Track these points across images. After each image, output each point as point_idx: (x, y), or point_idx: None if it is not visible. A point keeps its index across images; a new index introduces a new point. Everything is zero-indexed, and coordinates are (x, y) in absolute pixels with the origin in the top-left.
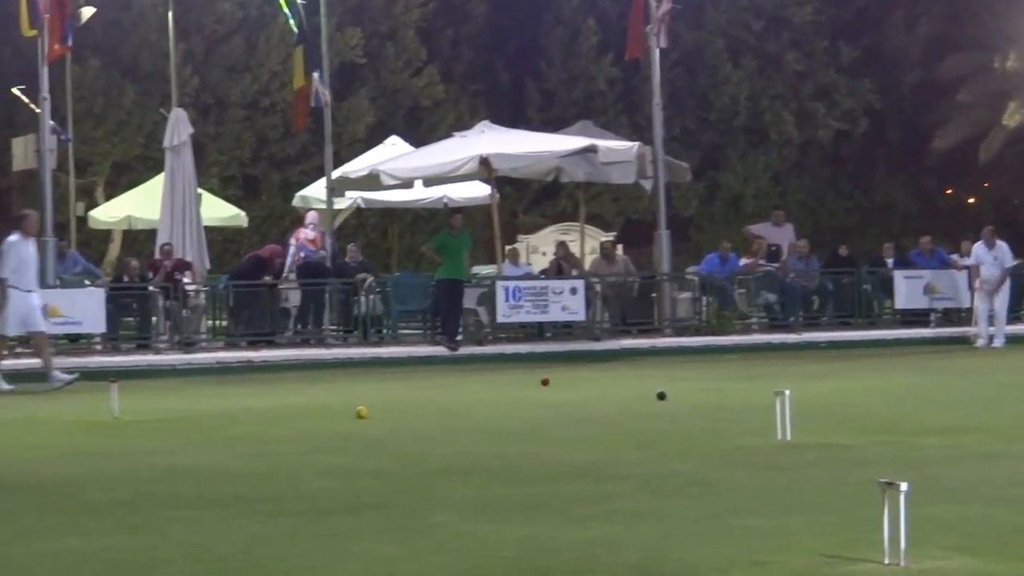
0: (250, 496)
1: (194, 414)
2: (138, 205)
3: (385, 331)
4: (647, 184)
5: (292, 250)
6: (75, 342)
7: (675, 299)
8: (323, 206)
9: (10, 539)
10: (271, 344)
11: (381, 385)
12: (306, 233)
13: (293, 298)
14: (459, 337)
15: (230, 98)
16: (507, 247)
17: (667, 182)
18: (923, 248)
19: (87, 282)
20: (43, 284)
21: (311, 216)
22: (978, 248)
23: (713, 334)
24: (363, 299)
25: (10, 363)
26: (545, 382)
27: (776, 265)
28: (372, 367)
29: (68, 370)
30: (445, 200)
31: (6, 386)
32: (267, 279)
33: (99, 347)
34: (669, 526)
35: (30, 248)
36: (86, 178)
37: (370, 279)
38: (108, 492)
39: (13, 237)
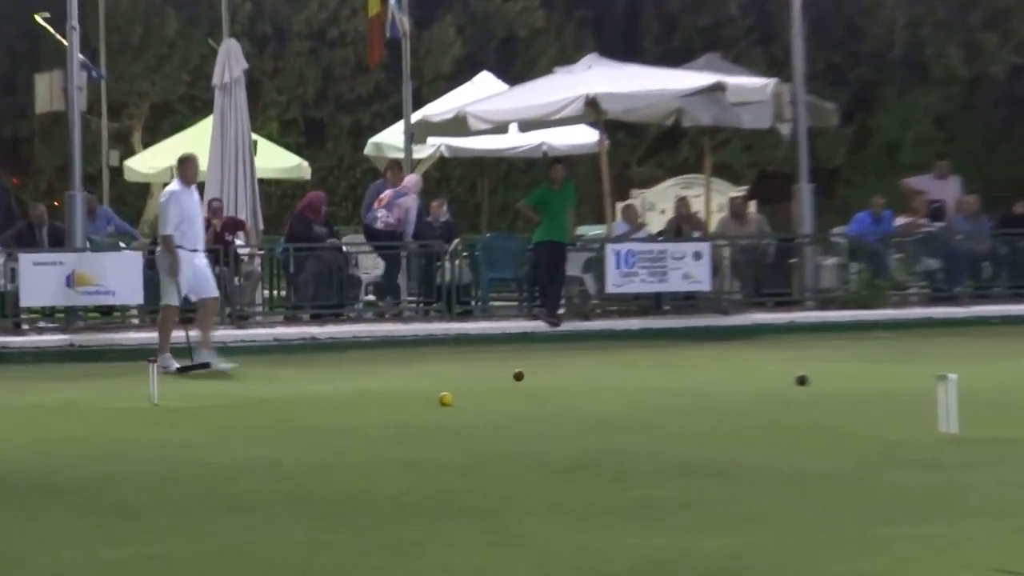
0: (312, 497)
1: (247, 400)
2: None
3: (473, 303)
4: (785, 129)
5: (381, 214)
6: (108, 315)
7: (818, 266)
8: (400, 155)
9: (33, 546)
10: (338, 318)
11: (468, 367)
12: (403, 200)
13: (364, 263)
14: (561, 310)
15: (291, 27)
16: (619, 204)
17: (809, 127)
18: None
19: (122, 245)
20: (71, 247)
21: (411, 181)
22: None
23: (863, 307)
24: (447, 265)
25: (35, 338)
26: (519, 376)
27: (939, 225)
28: (458, 345)
29: (112, 347)
30: (545, 148)
31: (174, 364)
32: (326, 239)
33: (136, 321)
34: (808, 536)
35: (194, 198)
36: (121, 122)
37: (456, 242)
38: (146, 492)
39: (174, 186)
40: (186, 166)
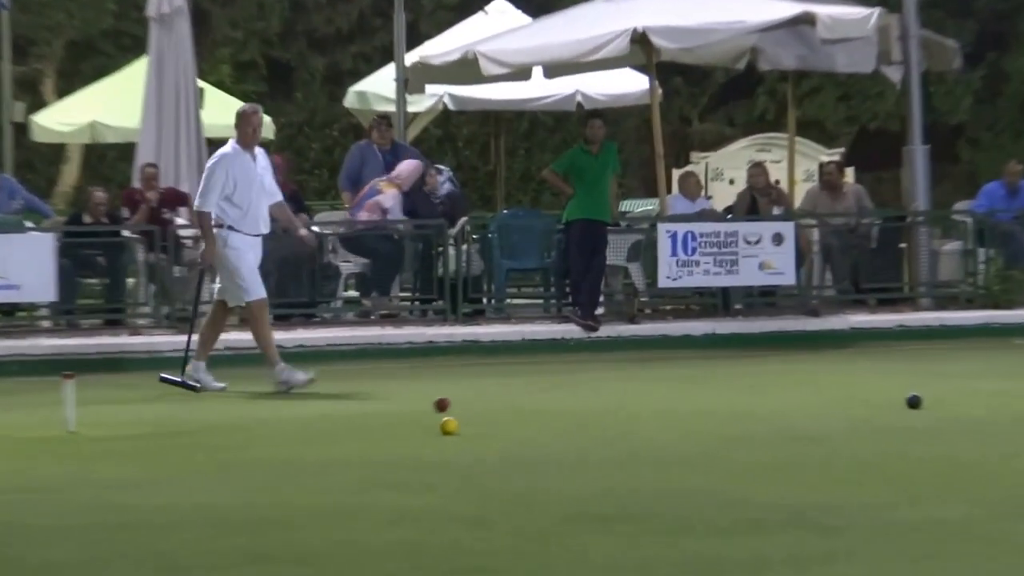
0: (278, 554)
1: (191, 426)
2: (107, 107)
3: (485, 301)
4: (894, 74)
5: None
6: (9, 316)
7: (935, 252)
8: (390, 108)
9: None
10: (310, 320)
11: (479, 383)
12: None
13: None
14: (599, 310)
15: None
16: (675, 171)
17: (924, 71)
18: None
19: (29, 224)
20: None
21: (407, 170)
22: None
23: (995, 306)
24: (451, 252)
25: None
26: (442, 405)
27: None
28: (465, 355)
29: (15, 358)
30: (579, 98)
31: (300, 376)
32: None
33: (47, 324)
34: None
35: (256, 166)
36: (28, 65)
37: (463, 221)
38: (58, 547)
39: (227, 147)
40: (245, 121)
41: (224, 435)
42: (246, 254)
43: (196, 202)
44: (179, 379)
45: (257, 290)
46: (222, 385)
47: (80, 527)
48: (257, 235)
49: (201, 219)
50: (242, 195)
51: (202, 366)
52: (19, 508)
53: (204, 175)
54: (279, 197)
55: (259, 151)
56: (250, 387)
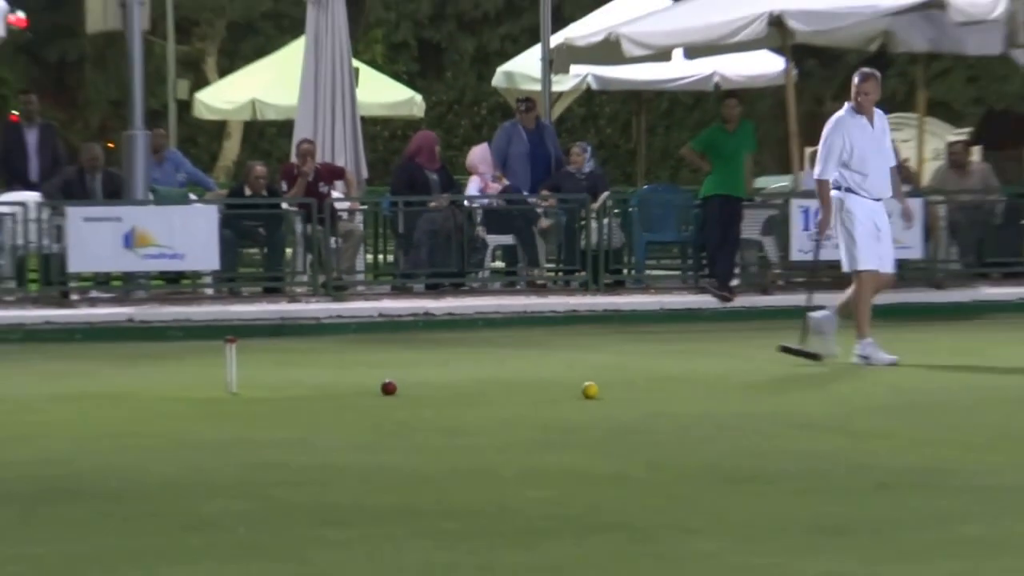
0: (425, 510)
1: (345, 389)
2: (266, 85)
3: (626, 272)
4: (1020, 57)
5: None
6: (174, 283)
7: None
8: (536, 87)
9: (87, 564)
10: (458, 289)
11: (619, 351)
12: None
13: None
14: (735, 281)
15: None
16: (808, 149)
17: None
18: None
19: (192, 196)
20: (130, 198)
21: (478, 155)
22: None
23: None
24: (594, 225)
25: (86, 311)
26: (389, 389)
27: None
28: (606, 324)
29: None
30: (717, 79)
31: (886, 357)
32: (437, 192)
33: (210, 291)
34: None
35: (878, 125)
36: (191, 45)
37: (604, 195)
38: (220, 501)
39: (842, 112)
40: (858, 87)
41: (378, 399)
42: (863, 220)
43: (815, 170)
44: (798, 348)
45: (868, 259)
46: (893, 358)
47: (242, 482)
48: (878, 199)
49: (819, 187)
50: (860, 159)
51: (869, 342)
52: (184, 464)
53: (821, 142)
54: (894, 161)
55: (877, 112)
56: (407, 355)
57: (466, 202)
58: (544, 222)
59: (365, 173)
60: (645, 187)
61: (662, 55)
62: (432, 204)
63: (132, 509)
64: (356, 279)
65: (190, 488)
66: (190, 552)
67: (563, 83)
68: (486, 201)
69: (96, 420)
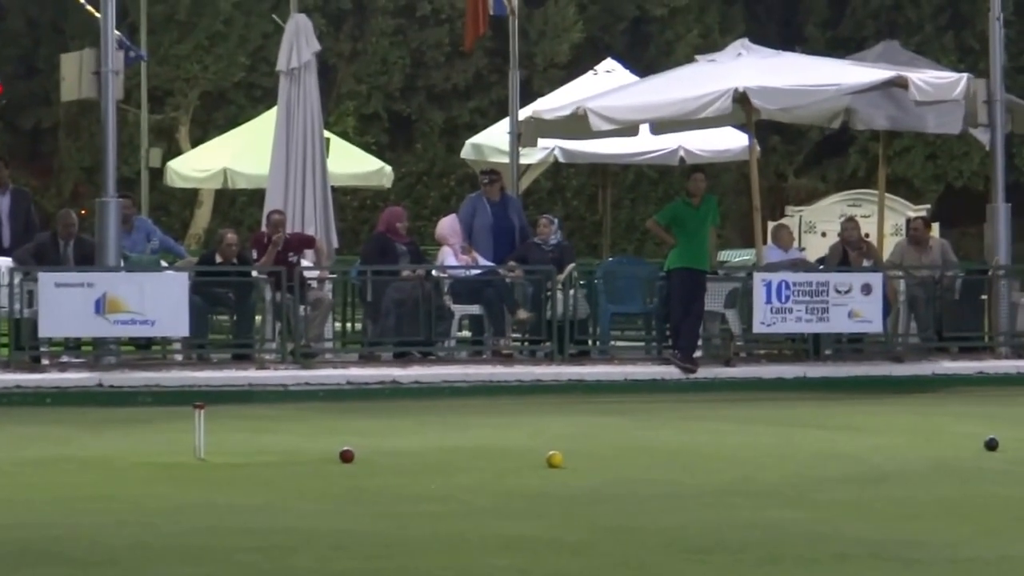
0: (394, 575)
1: (312, 456)
2: (238, 154)
3: (591, 342)
4: (982, 136)
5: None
6: (145, 349)
7: (1016, 304)
8: (503, 159)
9: None
10: (426, 358)
11: (584, 420)
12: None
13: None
14: (698, 353)
15: (374, 1)
16: (771, 224)
17: (1008, 132)
18: None
19: (163, 263)
20: (102, 265)
21: (447, 225)
22: None
23: None
24: (559, 296)
25: (57, 376)
26: (346, 456)
27: None
28: (571, 394)
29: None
30: (682, 154)
31: None
32: (407, 264)
33: (179, 358)
34: None
35: None
36: (164, 114)
37: (570, 267)
38: (189, 566)
39: None
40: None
41: (345, 466)
42: None
43: None
44: None
45: None
46: None
47: (208, 548)
48: None
49: None
50: None
51: None
52: (152, 529)
53: None
54: None
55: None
56: (374, 423)
57: (434, 272)
58: (522, 314)
59: (335, 243)
60: (610, 259)
61: (629, 129)
62: (405, 274)
63: (102, 573)
64: (324, 347)
65: (159, 552)
66: None
67: (531, 156)
68: (459, 272)
69: (67, 485)
